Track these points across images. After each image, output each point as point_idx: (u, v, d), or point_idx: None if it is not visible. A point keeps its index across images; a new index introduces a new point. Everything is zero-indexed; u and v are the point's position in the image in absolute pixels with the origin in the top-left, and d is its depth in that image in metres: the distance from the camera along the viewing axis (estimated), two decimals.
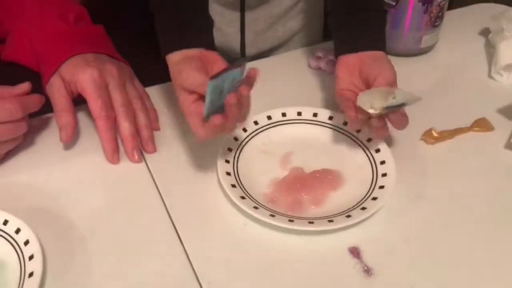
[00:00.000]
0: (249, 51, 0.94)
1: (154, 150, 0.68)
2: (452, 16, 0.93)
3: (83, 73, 0.63)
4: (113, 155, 0.65)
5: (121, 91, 0.66)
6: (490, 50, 0.86)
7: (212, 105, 0.54)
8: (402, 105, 0.59)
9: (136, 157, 0.66)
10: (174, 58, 0.61)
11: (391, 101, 0.59)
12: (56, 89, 0.65)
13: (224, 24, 0.90)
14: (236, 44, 0.92)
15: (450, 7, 0.98)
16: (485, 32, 0.90)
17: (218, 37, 0.89)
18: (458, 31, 0.92)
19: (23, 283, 0.51)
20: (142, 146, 0.68)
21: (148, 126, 0.68)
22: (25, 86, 0.65)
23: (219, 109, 0.55)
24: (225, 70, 0.52)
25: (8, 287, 0.52)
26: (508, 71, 0.80)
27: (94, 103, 0.63)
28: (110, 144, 0.65)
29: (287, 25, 0.94)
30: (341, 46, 0.69)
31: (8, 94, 0.62)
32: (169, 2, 0.63)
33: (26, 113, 0.63)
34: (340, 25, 0.69)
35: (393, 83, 0.63)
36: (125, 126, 0.65)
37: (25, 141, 0.68)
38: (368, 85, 0.64)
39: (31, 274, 0.52)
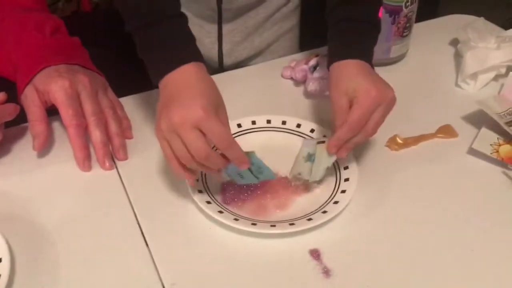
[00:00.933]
0: (227, 61, 0.96)
1: (126, 157, 0.70)
2: (425, 27, 0.96)
3: (55, 84, 0.65)
4: (84, 163, 0.67)
5: (92, 100, 0.68)
6: (459, 60, 0.88)
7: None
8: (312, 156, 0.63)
9: (107, 164, 0.68)
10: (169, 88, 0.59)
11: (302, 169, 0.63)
12: (30, 99, 0.67)
13: (202, 35, 0.93)
14: (214, 54, 0.95)
15: (427, 18, 1.01)
16: (454, 42, 0.93)
17: None
18: (429, 41, 0.94)
19: None
20: (114, 154, 0.69)
21: (119, 134, 0.70)
22: (0, 96, 0.67)
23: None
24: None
25: None
26: (474, 80, 0.82)
27: (65, 112, 0.65)
28: (81, 152, 0.67)
29: (263, 36, 0.97)
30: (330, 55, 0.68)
31: None
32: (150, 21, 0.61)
33: (0, 122, 0.65)
34: (333, 34, 0.69)
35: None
36: (96, 134, 0.67)
37: (0, 149, 0.69)
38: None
39: None
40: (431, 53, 0.92)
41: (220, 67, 0.96)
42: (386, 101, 0.61)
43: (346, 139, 0.61)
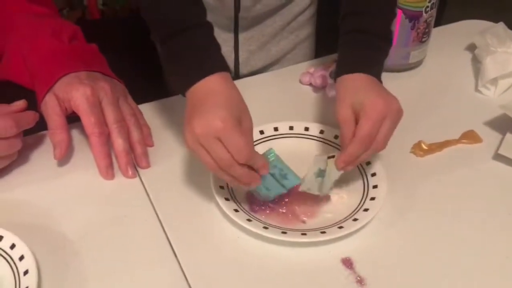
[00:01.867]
0: (243, 69, 0.95)
1: (148, 165, 0.68)
2: (440, 32, 0.96)
3: (76, 91, 0.64)
4: (107, 171, 0.66)
5: (114, 108, 0.67)
6: (477, 65, 0.87)
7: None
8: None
9: (130, 172, 0.67)
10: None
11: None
12: (50, 107, 0.66)
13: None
14: (230, 63, 0.94)
15: (438, 24, 1.00)
16: (471, 48, 0.92)
17: None
18: (446, 46, 0.94)
19: None
20: (136, 162, 0.68)
21: (141, 142, 0.69)
22: (21, 103, 0.66)
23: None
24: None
25: None
26: (494, 85, 0.82)
27: (87, 120, 0.64)
28: (104, 160, 0.66)
29: (279, 45, 0.96)
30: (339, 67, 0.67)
31: (3, 112, 0.63)
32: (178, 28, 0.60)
33: (20, 130, 0.64)
34: (341, 45, 0.68)
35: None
36: (118, 142, 0.66)
37: (19, 158, 0.68)
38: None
39: None
40: (448, 58, 0.91)
41: (236, 76, 0.95)
42: (393, 113, 0.60)
43: (357, 155, 0.60)
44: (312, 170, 0.63)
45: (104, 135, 0.66)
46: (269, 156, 0.60)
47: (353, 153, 0.60)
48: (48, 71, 0.68)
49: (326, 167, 0.62)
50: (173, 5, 0.61)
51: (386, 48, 0.67)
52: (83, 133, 0.68)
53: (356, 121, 0.60)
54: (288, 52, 0.98)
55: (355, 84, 0.63)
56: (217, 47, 0.61)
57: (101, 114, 0.66)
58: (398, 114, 0.61)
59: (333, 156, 0.62)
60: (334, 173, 0.62)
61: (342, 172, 0.62)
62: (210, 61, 0.59)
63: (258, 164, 0.57)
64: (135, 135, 0.68)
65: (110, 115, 0.66)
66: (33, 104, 0.68)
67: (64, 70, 0.67)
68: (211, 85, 0.58)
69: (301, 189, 0.62)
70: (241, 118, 0.57)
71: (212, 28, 0.62)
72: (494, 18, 0.95)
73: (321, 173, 0.63)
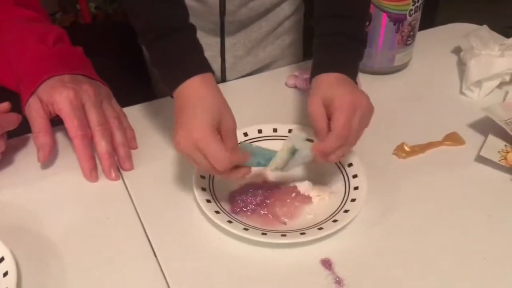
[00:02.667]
0: (229, 75, 0.95)
1: (131, 167, 0.69)
2: (426, 35, 0.97)
3: (59, 94, 0.65)
4: (91, 173, 0.67)
5: (97, 110, 0.67)
6: (462, 68, 0.88)
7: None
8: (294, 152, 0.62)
9: (113, 175, 0.67)
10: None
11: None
12: (34, 110, 0.66)
13: (204, 48, 0.91)
14: (216, 68, 0.94)
15: (431, 26, 1.01)
16: (457, 50, 0.93)
17: None
18: (432, 49, 0.94)
19: None
20: (119, 164, 0.69)
21: (124, 144, 0.69)
22: (5, 105, 0.67)
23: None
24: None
25: None
26: (479, 87, 0.82)
27: (70, 123, 0.65)
28: (87, 162, 0.66)
29: (266, 50, 0.97)
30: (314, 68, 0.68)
31: None
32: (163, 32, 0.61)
33: (3, 131, 0.64)
34: (316, 47, 0.69)
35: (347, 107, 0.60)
36: (101, 144, 0.66)
37: (3, 160, 0.69)
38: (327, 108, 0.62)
39: None
40: (434, 61, 0.92)
41: (222, 82, 0.95)
42: (363, 107, 0.61)
43: (335, 148, 0.60)
44: (287, 145, 0.63)
45: (87, 138, 0.66)
46: (247, 148, 0.61)
47: (331, 146, 0.60)
48: (32, 75, 0.68)
49: (300, 147, 0.62)
50: (156, 10, 0.62)
51: (361, 50, 0.68)
52: (67, 136, 0.68)
53: (328, 117, 0.61)
54: (276, 57, 0.98)
55: (329, 81, 0.63)
56: (199, 49, 0.62)
57: (84, 117, 0.66)
58: (368, 109, 0.62)
59: (311, 141, 0.63)
60: (305, 156, 0.62)
61: (311, 159, 0.62)
62: (190, 63, 0.60)
63: (240, 163, 0.58)
64: (118, 137, 0.69)
65: (93, 118, 0.67)
66: (18, 107, 0.69)
67: (47, 73, 0.68)
68: (193, 87, 0.59)
69: (270, 167, 0.62)
70: (222, 120, 0.58)
71: (194, 31, 0.63)
72: (485, 23, 0.95)
73: (293, 151, 0.62)
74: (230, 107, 0.60)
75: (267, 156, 0.62)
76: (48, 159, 0.67)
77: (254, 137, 0.72)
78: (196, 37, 0.63)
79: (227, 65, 0.92)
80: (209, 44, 0.90)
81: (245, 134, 0.72)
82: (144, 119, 0.78)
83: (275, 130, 0.73)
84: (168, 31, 0.61)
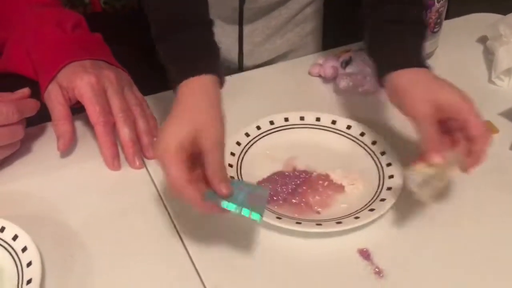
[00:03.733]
0: (247, 62, 0.93)
1: (154, 157, 0.66)
2: (449, 25, 0.94)
3: (80, 80, 0.62)
4: (114, 161, 0.64)
5: (119, 96, 0.64)
6: (489, 57, 0.86)
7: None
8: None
9: (137, 163, 0.64)
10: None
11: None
12: (53, 97, 0.64)
13: (222, 35, 0.89)
14: (233, 56, 0.92)
15: (446, 17, 0.98)
16: (482, 40, 0.90)
17: None
18: (456, 39, 0.92)
19: None
20: (143, 152, 0.66)
21: (148, 132, 0.66)
22: (24, 91, 0.64)
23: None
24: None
25: None
26: (508, 76, 0.80)
27: (92, 109, 0.62)
28: (110, 150, 0.64)
29: (285, 37, 0.94)
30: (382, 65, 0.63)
31: (5, 99, 0.61)
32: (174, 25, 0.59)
33: (22, 117, 0.62)
34: (378, 37, 0.64)
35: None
36: (125, 131, 0.64)
37: (22, 149, 0.66)
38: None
39: (29, 281, 0.50)
40: (460, 50, 0.89)
41: (239, 69, 0.93)
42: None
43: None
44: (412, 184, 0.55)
45: (110, 125, 0.63)
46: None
47: (483, 151, 0.55)
48: (52, 60, 0.66)
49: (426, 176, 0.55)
50: (176, 3, 0.59)
51: (426, 35, 0.64)
52: (87, 123, 0.65)
53: (436, 119, 0.56)
54: (294, 45, 0.96)
55: (419, 78, 0.58)
56: (212, 48, 0.60)
57: (106, 103, 0.64)
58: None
59: (421, 163, 0.56)
60: (441, 180, 0.56)
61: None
62: (194, 63, 0.58)
63: (187, 199, 0.51)
64: (141, 125, 0.66)
65: (115, 104, 0.64)
66: (36, 95, 0.66)
67: (68, 59, 0.65)
68: (186, 88, 0.56)
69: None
70: (203, 133, 0.52)
71: (208, 27, 0.60)
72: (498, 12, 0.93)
73: (425, 183, 0.55)
74: (222, 118, 0.54)
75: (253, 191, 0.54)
76: (68, 147, 0.65)
77: (280, 125, 0.70)
78: (213, 34, 0.60)
79: (244, 52, 0.90)
80: (227, 31, 0.88)
81: (271, 123, 0.69)
82: (163, 107, 0.75)
83: (302, 118, 0.71)
84: (182, 27, 0.59)
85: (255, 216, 0.49)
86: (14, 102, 0.61)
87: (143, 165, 0.65)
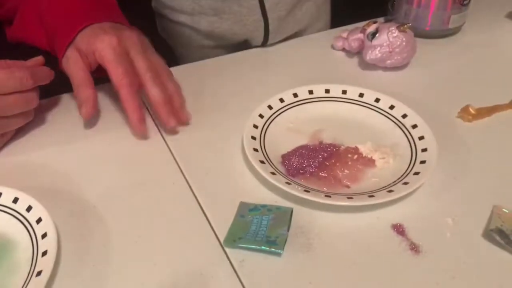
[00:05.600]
0: (272, 38, 0.89)
1: (188, 119, 0.63)
2: (478, 1, 0.90)
3: (101, 42, 0.59)
4: (140, 125, 0.60)
5: (144, 57, 0.60)
6: None
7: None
8: None
9: (173, 122, 0.60)
10: None
11: None
12: (72, 62, 0.60)
13: (244, 14, 0.85)
14: (259, 34, 0.86)
15: None
16: (510, 16, 0.87)
17: (239, 29, 0.84)
18: (483, 15, 0.88)
19: (36, 262, 0.46)
20: (176, 114, 0.62)
21: (179, 93, 0.62)
22: (38, 59, 0.61)
23: None
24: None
25: (19, 267, 0.47)
26: None
27: (115, 71, 0.58)
28: (136, 113, 0.59)
29: (303, 9, 0.90)
30: None
31: (19, 65, 0.58)
32: None
33: (36, 84, 0.59)
34: None
35: None
36: (155, 91, 0.59)
37: (36, 120, 0.63)
38: None
39: (44, 253, 0.47)
40: (488, 25, 0.86)
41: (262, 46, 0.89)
42: None
43: None
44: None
45: (134, 87, 0.59)
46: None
47: None
48: (69, 24, 0.62)
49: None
50: None
51: None
52: (105, 94, 0.62)
53: None
54: (312, 18, 0.92)
55: None
56: None
57: (129, 64, 0.60)
58: None
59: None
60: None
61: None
62: None
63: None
64: (170, 85, 0.62)
65: (141, 64, 0.60)
66: (49, 65, 0.63)
67: (86, 21, 0.61)
68: None
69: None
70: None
71: None
72: None
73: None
74: None
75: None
76: (93, 114, 0.61)
77: (305, 98, 0.66)
78: None
79: (270, 28, 0.85)
80: (248, 9, 0.83)
81: (295, 95, 0.66)
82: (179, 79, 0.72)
83: (327, 91, 0.67)
84: None
85: (275, 251, 0.49)
86: (28, 69, 0.58)
87: (177, 124, 0.61)
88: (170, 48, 0.92)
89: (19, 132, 0.61)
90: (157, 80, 0.60)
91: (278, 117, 0.64)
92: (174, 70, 0.73)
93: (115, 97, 0.67)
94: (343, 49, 0.78)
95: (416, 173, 0.55)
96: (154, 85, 0.59)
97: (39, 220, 0.50)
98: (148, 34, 0.75)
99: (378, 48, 0.71)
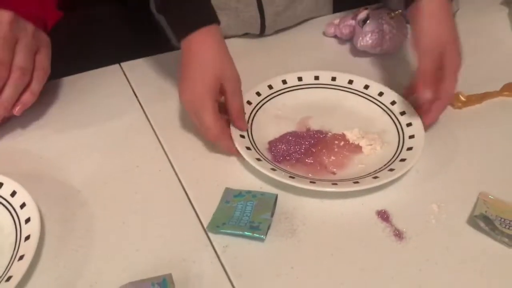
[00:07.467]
0: (268, 31, 0.87)
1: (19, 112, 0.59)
2: None
3: None
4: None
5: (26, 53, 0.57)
6: None
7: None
8: None
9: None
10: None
11: None
12: None
13: (241, 10, 0.83)
14: (255, 28, 0.85)
15: None
16: (506, 3, 0.86)
17: (235, 24, 0.83)
18: (478, 2, 0.87)
19: (18, 247, 0.46)
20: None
21: (34, 93, 0.59)
22: None
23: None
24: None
25: (3, 251, 0.47)
26: None
27: None
28: None
29: (304, 2, 0.89)
30: None
31: None
32: None
33: None
34: None
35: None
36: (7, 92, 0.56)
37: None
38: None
39: (27, 238, 0.47)
40: (482, 13, 0.85)
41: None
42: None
43: None
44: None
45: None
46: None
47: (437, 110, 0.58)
48: None
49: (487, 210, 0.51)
50: None
51: None
52: (89, 84, 0.61)
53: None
54: (312, 12, 0.90)
55: (437, 12, 0.60)
56: None
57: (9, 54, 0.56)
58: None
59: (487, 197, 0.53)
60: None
61: None
62: (196, 15, 0.58)
63: (223, 146, 0.57)
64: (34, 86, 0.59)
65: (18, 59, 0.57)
66: None
67: None
68: (198, 43, 0.57)
69: None
70: (225, 79, 0.57)
71: None
72: None
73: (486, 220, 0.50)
74: (233, 62, 0.58)
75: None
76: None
77: (294, 84, 0.66)
78: None
79: (267, 23, 0.83)
80: (246, 3, 0.82)
81: (284, 82, 0.66)
82: (166, 68, 0.71)
83: (316, 78, 0.67)
84: None
85: (258, 237, 0.49)
86: None
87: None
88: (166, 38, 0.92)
89: (5, 118, 0.61)
90: (19, 80, 0.57)
91: (267, 103, 0.64)
92: (166, 56, 0.73)
93: (103, 86, 0.67)
94: (335, 36, 0.77)
95: (403, 160, 0.55)
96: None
97: (23, 205, 0.50)
98: (145, 25, 0.75)
99: (369, 35, 0.71)
